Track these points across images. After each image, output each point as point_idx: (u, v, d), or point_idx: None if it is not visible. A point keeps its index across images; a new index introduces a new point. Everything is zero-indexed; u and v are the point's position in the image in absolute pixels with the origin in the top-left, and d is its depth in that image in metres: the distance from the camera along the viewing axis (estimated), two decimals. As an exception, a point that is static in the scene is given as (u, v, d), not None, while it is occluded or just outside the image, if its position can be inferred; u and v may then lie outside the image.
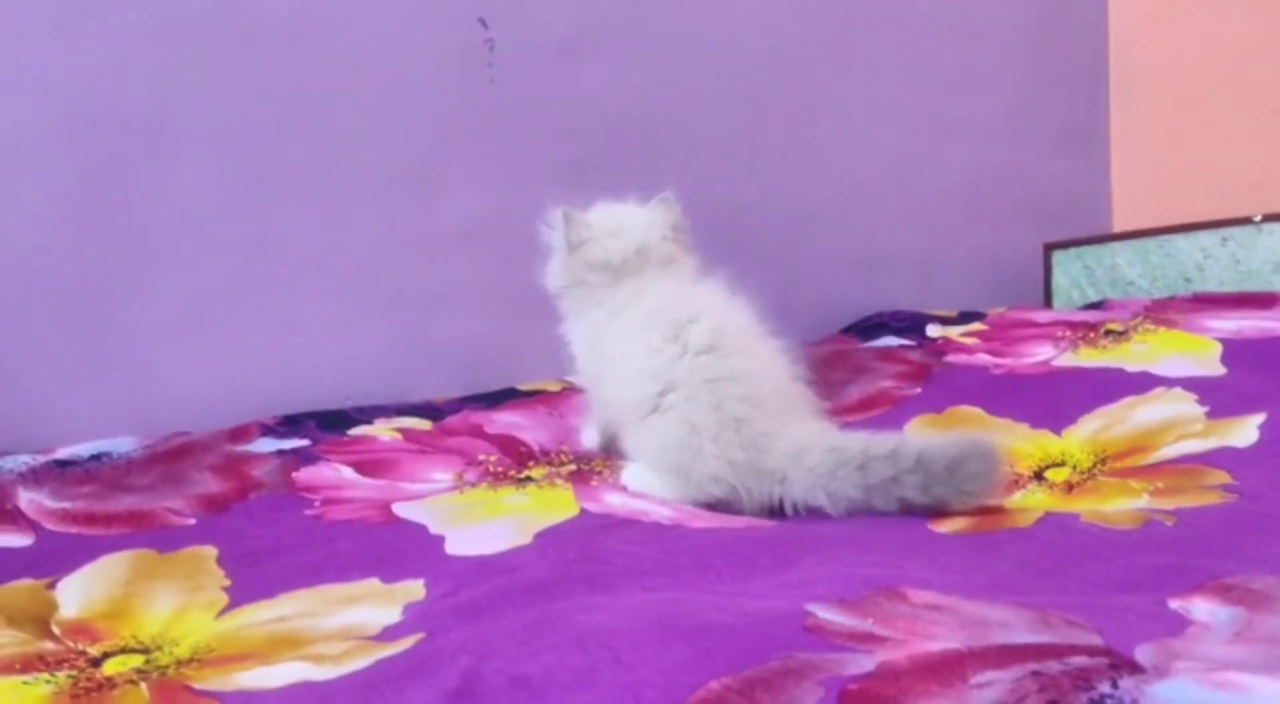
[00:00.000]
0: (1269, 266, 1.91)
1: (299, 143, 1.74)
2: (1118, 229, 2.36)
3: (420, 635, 0.96)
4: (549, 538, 1.19)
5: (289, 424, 1.61)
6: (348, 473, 1.45)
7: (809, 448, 1.26)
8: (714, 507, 1.30)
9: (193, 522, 1.31)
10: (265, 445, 1.54)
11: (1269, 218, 1.92)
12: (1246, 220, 1.95)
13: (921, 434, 1.47)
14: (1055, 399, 1.58)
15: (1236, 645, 0.81)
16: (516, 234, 1.87)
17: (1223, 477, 1.24)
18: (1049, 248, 2.24)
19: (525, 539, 1.19)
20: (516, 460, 1.49)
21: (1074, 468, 1.38)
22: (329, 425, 1.61)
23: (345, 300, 1.78)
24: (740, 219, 2.05)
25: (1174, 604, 0.89)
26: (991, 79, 2.30)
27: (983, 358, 1.81)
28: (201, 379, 1.69)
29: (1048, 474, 1.37)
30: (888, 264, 2.21)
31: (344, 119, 1.77)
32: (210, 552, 1.20)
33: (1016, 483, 1.36)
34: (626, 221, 1.47)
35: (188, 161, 1.67)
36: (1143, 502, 1.22)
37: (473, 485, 1.41)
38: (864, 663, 0.80)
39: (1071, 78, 2.39)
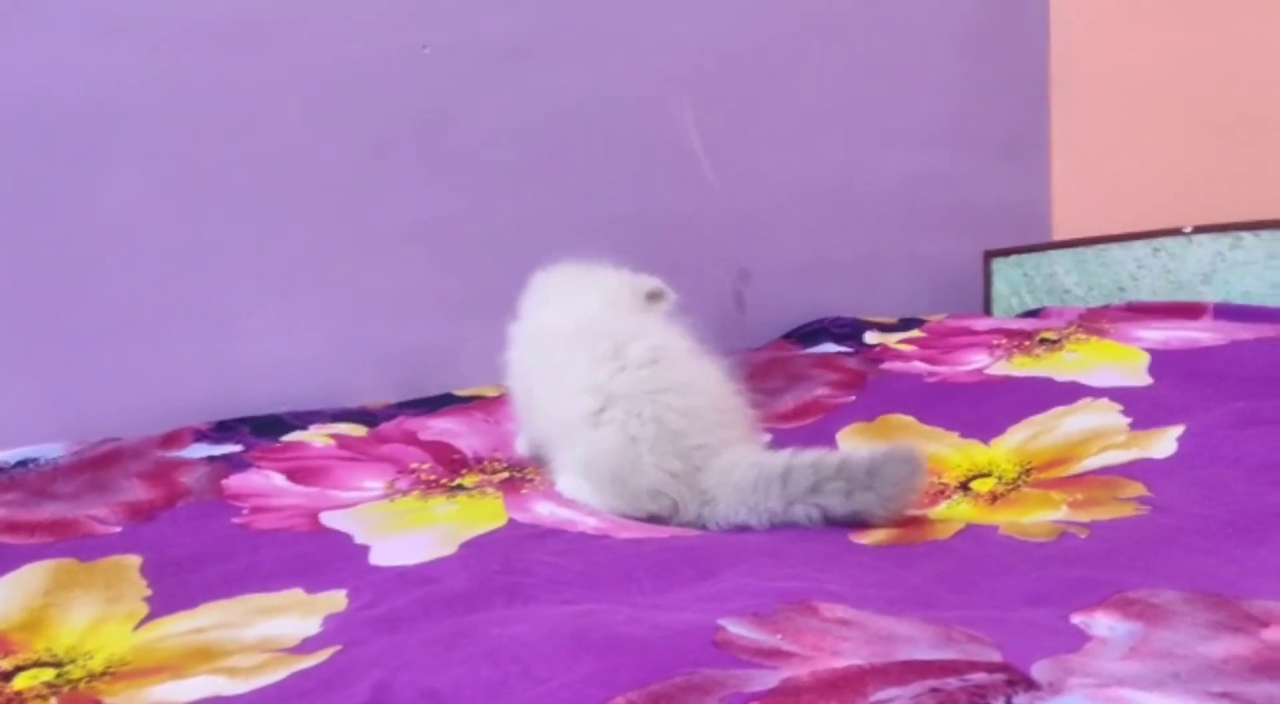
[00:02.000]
0: (1198, 277, 1.95)
1: (236, 144, 1.73)
2: (1058, 237, 2.40)
3: (336, 648, 0.96)
4: (473, 548, 1.20)
5: (222, 429, 1.60)
6: (278, 480, 1.44)
7: (736, 465, 1.27)
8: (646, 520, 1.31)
9: (117, 530, 1.30)
10: (197, 451, 1.53)
11: (1199, 229, 1.95)
12: (1177, 231, 1.98)
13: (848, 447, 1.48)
14: (986, 408, 1.60)
15: (1130, 661, 0.82)
16: (457, 238, 1.89)
17: (1139, 489, 1.26)
18: (989, 255, 2.27)
19: (450, 549, 1.19)
20: (449, 468, 1.49)
21: (999, 478, 1.40)
22: (263, 431, 1.60)
23: (282, 304, 1.77)
24: (684, 225, 2.06)
25: (1076, 619, 0.91)
26: (934, 86, 2.32)
27: (918, 366, 1.83)
28: (135, 383, 1.68)
29: (973, 484, 1.39)
30: (830, 270, 2.23)
31: (282, 120, 1.76)
32: (133, 561, 1.20)
33: (942, 493, 1.38)
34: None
35: (123, 162, 1.66)
36: (1061, 513, 1.24)
37: (404, 494, 1.41)
38: (768, 679, 0.81)
39: (1013, 86, 2.42)
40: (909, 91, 2.29)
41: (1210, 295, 1.93)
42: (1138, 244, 2.03)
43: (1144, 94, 2.33)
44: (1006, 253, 2.23)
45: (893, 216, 2.30)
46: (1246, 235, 1.88)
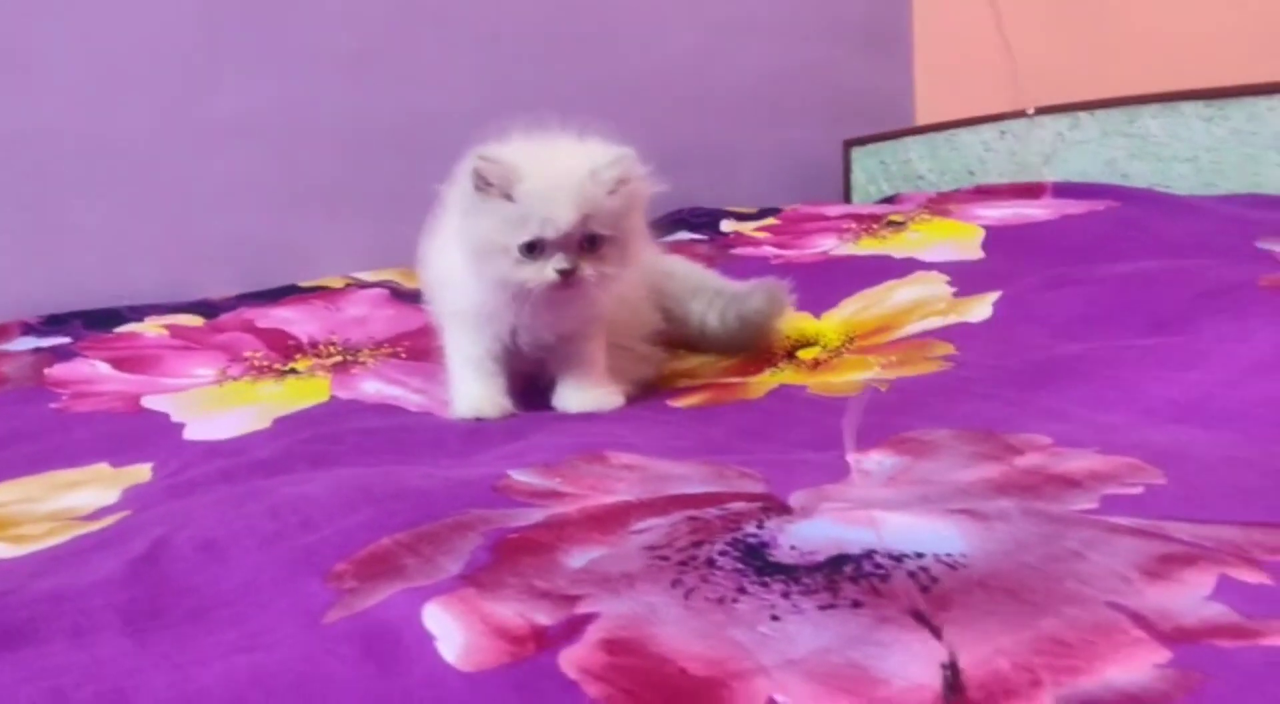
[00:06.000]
0: (1040, 158, 1.99)
1: (62, 28, 1.66)
2: (921, 124, 2.42)
3: (127, 513, 0.96)
4: (288, 422, 1.20)
5: (53, 323, 1.57)
6: (103, 368, 1.42)
7: None
8: None
9: (-75, 417, 1.27)
10: (23, 344, 1.50)
11: (1041, 111, 1.99)
12: (1021, 113, 2.01)
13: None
14: (824, 285, 1.63)
15: (887, 489, 0.85)
16: (296, 128, 1.85)
17: (948, 349, 1.29)
18: (848, 144, 2.28)
19: (265, 425, 1.19)
20: (283, 354, 1.48)
21: (824, 347, 1.42)
22: (96, 324, 1.58)
23: (115, 195, 1.73)
24: (535, 115, 2.03)
25: (850, 457, 0.94)
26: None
27: (767, 250, 1.85)
28: (-38, 279, 1.64)
29: (799, 353, 1.42)
30: (690, 161, 2.22)
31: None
32: (-64, 444, 1.18)
33: (768, 361, 1.40)
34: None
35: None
36: (871, 373, 1.27)
37: (235, 380, 1.40)
38: (535, 516, 0.82)
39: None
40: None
41: (1051, 175, 1.97)
42: (985, 128, 2.06)
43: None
44: (863, 141, 2.25)
45: (755, 106, 2.30)
46: (1083, 115, 1.92)
